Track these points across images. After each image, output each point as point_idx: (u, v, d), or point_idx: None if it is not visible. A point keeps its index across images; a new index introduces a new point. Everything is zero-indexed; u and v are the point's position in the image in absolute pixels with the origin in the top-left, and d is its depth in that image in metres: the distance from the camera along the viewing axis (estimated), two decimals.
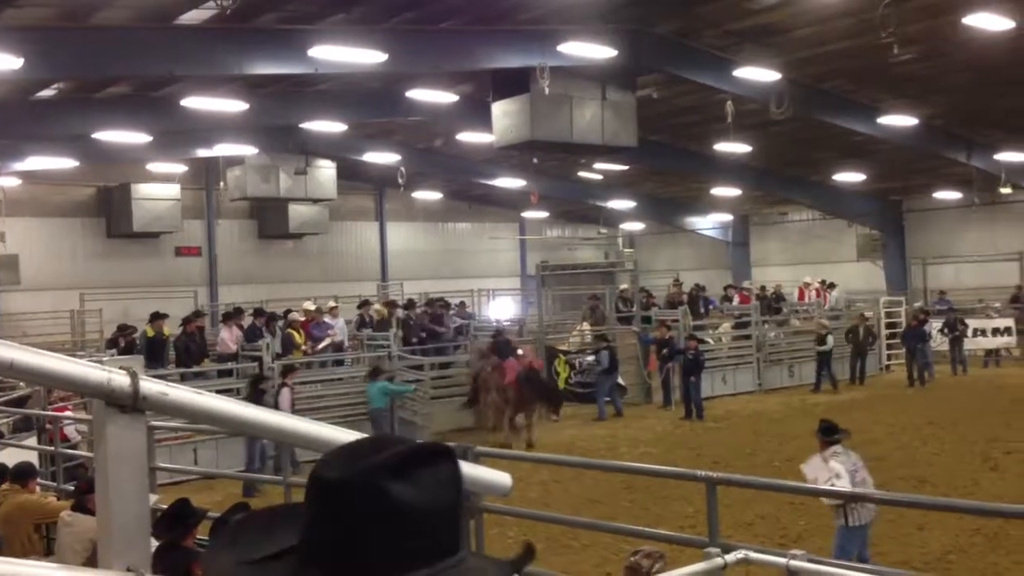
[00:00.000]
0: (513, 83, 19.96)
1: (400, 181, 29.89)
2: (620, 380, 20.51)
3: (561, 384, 21.02)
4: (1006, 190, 29.82)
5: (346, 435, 2.06)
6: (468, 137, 26.23)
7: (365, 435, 1.71)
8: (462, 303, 25.45)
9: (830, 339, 22.71)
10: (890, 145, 27.07)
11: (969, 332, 25.66)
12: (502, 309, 34.58)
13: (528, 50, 19.44)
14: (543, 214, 41.73)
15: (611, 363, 19.96)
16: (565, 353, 21.33)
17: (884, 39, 17.35)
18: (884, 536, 9.44)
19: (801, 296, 28.46)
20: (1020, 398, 19.35)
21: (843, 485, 7.57)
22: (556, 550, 9.57)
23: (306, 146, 27.93)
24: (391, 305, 21.18)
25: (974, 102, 24.36)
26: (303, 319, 19.44)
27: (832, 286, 29.86)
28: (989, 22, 17.19)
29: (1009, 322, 26.00)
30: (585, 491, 12.31)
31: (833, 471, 7.73)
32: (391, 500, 1.32)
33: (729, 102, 22.47)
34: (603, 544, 9.25)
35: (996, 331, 25.84)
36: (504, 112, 20.42)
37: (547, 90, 19.15)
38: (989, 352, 26.15)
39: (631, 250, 42.14)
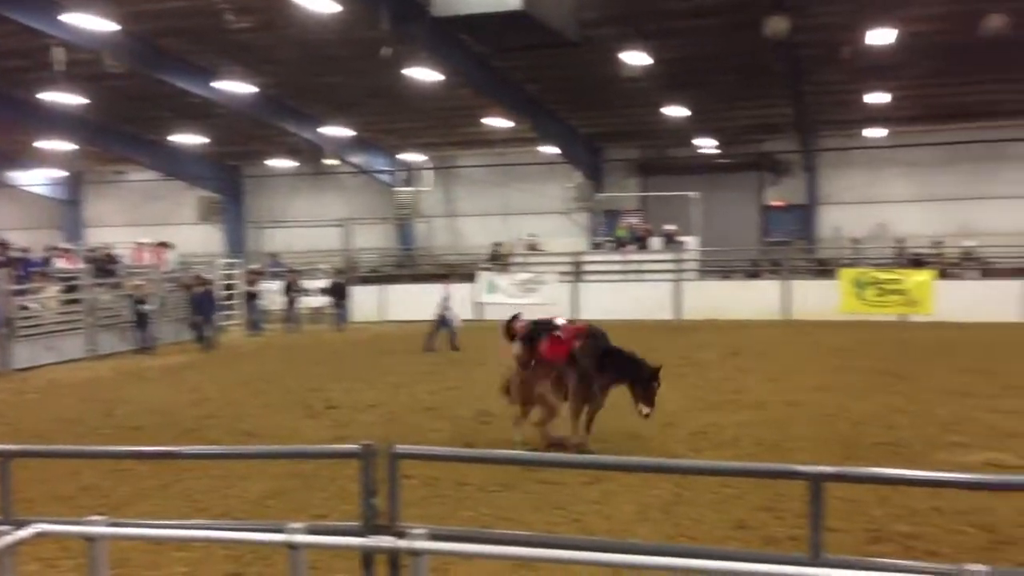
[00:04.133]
0: None
1: None
2: None
3: None
4: (330, 161, 32.56)
5: None
6: None
7: None
8: None
9: (151, 300, 22.63)
10: (228, 110, 27.67)
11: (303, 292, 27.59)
12: None
13: None
14: None
15: None
16: None
17: (219, 5, 17.62)
18: (208, 491, 9.67)
19: (137, 258, 27.71)
20: (309, 347, 21.42)
21: None
22: None
23: None
24: None
25: (302, 76, 26.06)
26: None
27: (168, 247, 29.61)
28: (317, 3, 18.45)
29: (328, 283, 28.44)
30: None
31: None
32: None
33: (57, 48, 20.84)
34: None
35: (322, 291, 28.10)
36: None
37: None
38: (315, 309, 28.39)
39: None
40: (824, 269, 28.80)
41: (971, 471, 8.56)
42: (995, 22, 19.47)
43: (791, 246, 31.88)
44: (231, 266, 28.66)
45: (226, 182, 37.22)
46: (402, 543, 3.78)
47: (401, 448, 4.36)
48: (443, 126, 31.96)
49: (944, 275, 26.18)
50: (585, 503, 8.50)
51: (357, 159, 34.31)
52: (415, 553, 3.79)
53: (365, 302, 27.85)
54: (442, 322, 20.85)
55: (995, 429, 10.95)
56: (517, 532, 6.20)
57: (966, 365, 16.17)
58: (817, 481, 4.19)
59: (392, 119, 31.03)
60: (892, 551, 6.63)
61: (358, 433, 12.31)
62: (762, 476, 7.46)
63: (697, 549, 5.66)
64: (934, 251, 28.96)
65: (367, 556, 4.33)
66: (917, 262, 27.54)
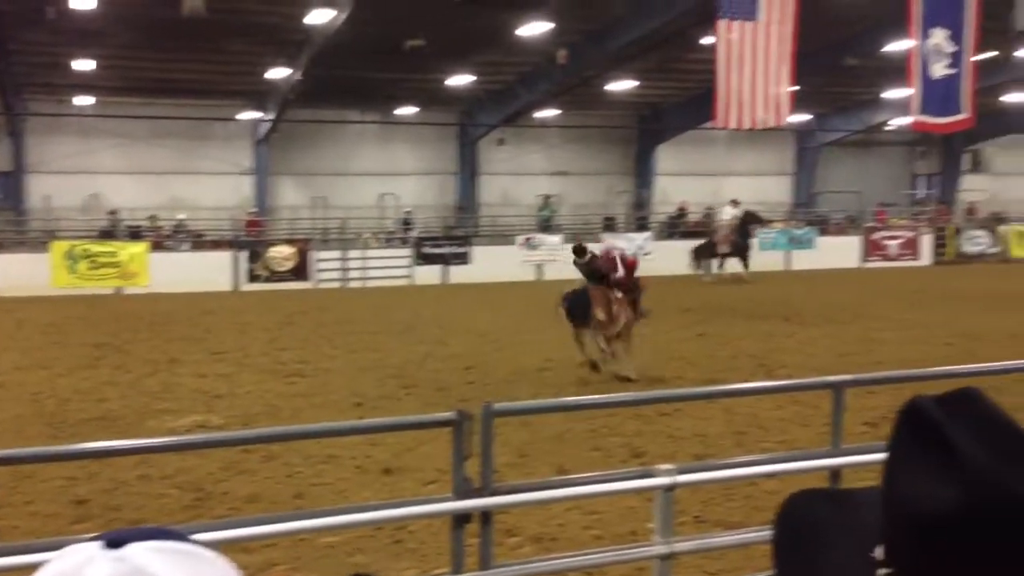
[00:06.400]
0: None
1: None
2: None
3: None
4: None
5: None
6: None
7: None
8: None
9: None
10: None
11: None
12: None
13: None
14: None
15: None
16: None
17: None
18: None
19: None
20: None
21: None
22: None
23: None
24: None
25: None
26: None
27: None
28: None
29: None
30: None
31: None
32: None
33: None
34: None
35: None
36: None
37: None
38: None
39: None
40: (33, 241, 27.13)
41: (179, 435, 8.83)
42: (193, 3, 20.28)
43: None
44: None
45: None
46: None
47: None
48: None
49: (158, 247, 26.71)
50: None
51: None
52: None
53: None
54: None
55: (202, 393, 11.50)
56: None
57: (179, 334, 16.70)
58: None
59: None
60: (96, 527, 6.46)
61: None
62: None
63: None
64: (148, 223, 29.36)
65: None
66: (133, 234, 27.60)
